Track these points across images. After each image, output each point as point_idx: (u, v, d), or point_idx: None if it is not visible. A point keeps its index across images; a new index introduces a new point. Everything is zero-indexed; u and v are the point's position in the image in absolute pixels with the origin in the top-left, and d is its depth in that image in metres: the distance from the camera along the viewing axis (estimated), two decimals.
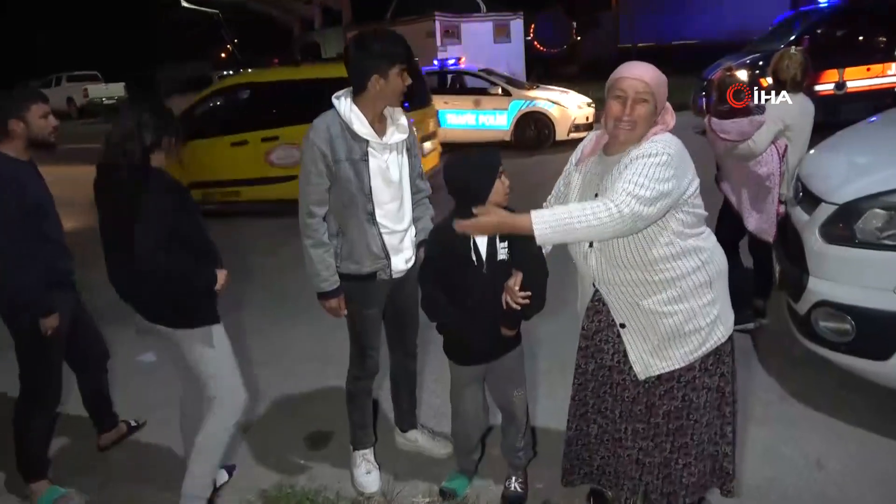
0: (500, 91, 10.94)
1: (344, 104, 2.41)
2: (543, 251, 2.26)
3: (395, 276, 2.57)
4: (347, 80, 2.42)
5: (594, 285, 2.10)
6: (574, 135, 10.60)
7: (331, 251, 2.49)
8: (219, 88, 8.63)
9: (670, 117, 2.00)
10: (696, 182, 1.99)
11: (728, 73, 3.36)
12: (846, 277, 2.83)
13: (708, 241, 2.06)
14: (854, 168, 3.14)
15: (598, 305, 2.14)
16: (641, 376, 2.07)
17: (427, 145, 7.78)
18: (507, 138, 10.75)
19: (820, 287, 2.91)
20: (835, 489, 2.57)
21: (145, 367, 3.97)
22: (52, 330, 2.59)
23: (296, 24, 24.61)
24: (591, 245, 2.03)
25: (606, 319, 2.12)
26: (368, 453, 2.81)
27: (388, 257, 2.52)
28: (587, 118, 10.88)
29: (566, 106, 10.68)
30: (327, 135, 2.38)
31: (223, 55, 28.58)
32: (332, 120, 2.41)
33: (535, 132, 10.65)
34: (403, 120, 2.54)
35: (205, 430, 2.50)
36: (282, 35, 26.08)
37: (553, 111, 10.54)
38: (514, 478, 2.61)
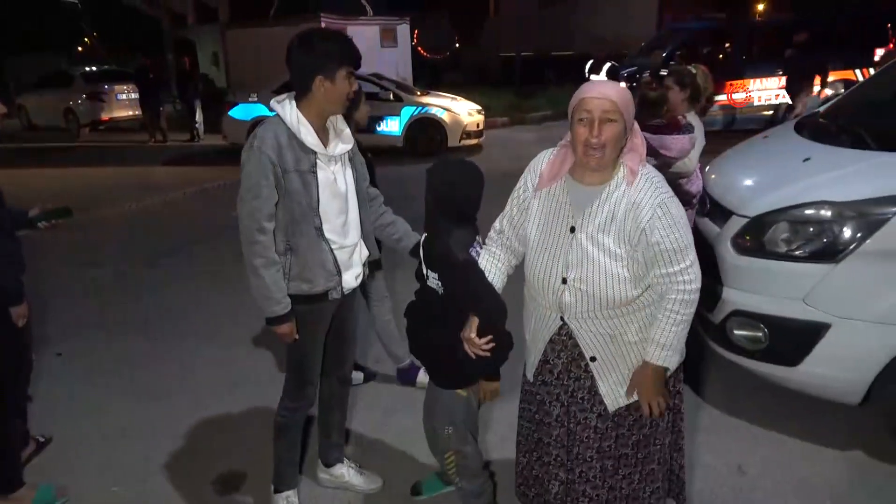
0: (391, 96, 10.78)
1: (289, 110, 2.19)
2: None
3: (345, 293, 2.39)
4: None
5: (562, 319, 1.98)
6: (465, 141, 10.68)
7: (280, 270, 2.25)
8: None
9: (640, 141, 1.91)
10: None
11: (649, 87, 3.39)
12: (758, 287, 2.94)
13: None
14: (762, 183, 3.29)
15: (564, 339, 2.01)
16: (612, 408, 2.00)
17: None
18: (399, 144, 10.61)
19: (734, 297, 3.01)
20: (759, 494, 2.66)
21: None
22: (24, 319, 2.58)
23: (165, 19, 23.10)
24: (564, 281, 1.91)
25: (571, 354, 2.01)
26: (293, 495, 2.57)
27: (339, 274, 2.34)
28: (478, 125, 10.98)
29: (457, 112, 10.71)
30: (275, 143, 2.15)
31: (80, 49, 26.26)
32: (278, 128, 2.18)
33: (427, 138, 10.59)
34: (347, 129, 2.36)
35: None
36: (149, 30, 24.37)
37: (445, 117, 10.53)
38: None
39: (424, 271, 2.23)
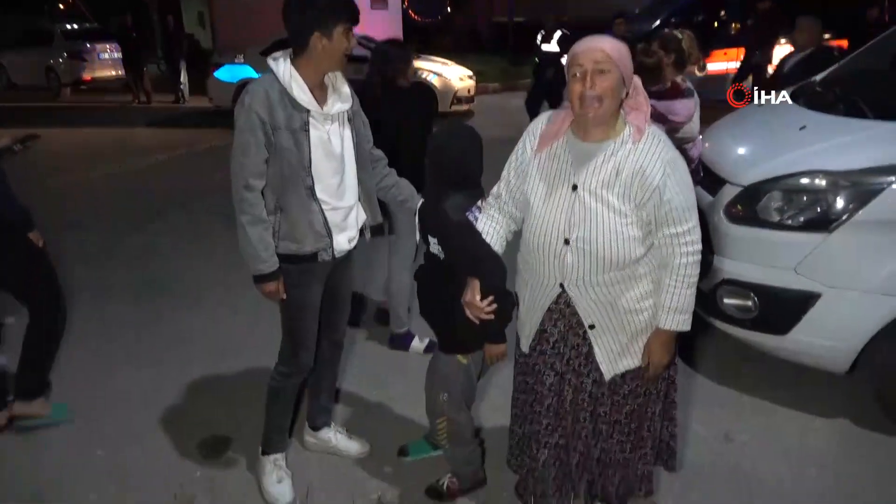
0: None
1: (283, 67, 2.13)
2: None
3: (337, 256, 2.34)
4: None
5: (562, 286, 1.93)
6: (456, 107, 10.53)
7: (269, 229, 2.21)
8: None
9: (644, 101, 1.85)
10: None
11: (645, 54, 3.32)
12: (750, 256, 2.93)
13: None
14: (756, 152, 3.26)
15: (562, 308, 1.97)
16: (608, 375, 1.98)
17: None
18: None
19: (725, 266, 2.99)
20: (747, 462, 2.68)
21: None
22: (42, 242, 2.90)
23: None
24: (566, 242, 1.85)
25: (569, 322, 1.97)
26: (280, 458, 2.55)
27: (330, 236, 2.28)
28: (469, 91, 10.83)
29: (448, 77, 10.55)
30: (266, 100, 2.10)
31: (61, 6, 25.48)
32: (270, 84, 2.13)
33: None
34: (346, 88, 2.29)
35: None
36: None
37: (435, 82, 10.36)
38: (448, 476, 2.49)
39: (426, 238, 2.21)
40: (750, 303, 2.93)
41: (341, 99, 2.26)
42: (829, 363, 2.89)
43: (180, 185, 7.27)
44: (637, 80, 1.86)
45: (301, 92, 2.13)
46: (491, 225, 2.08)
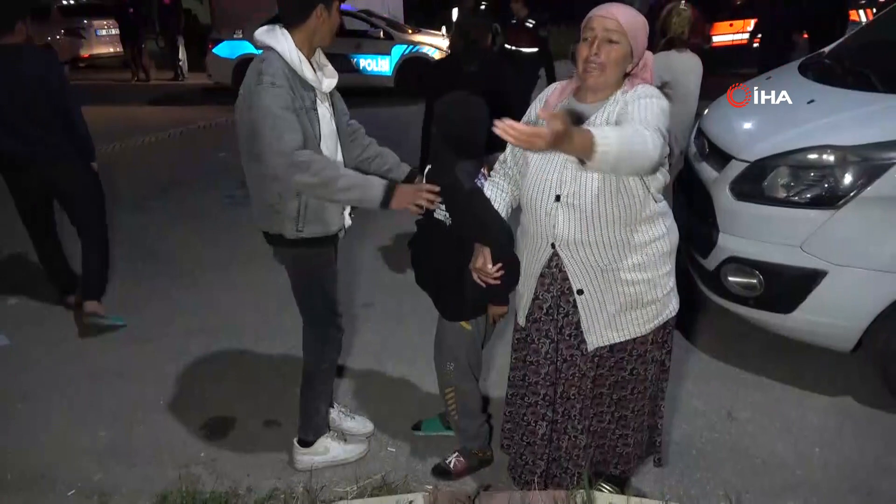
0: (381, 34, 10.45)
1: (288, 45, 2.07)
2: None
3: (344, 231, 2.38)
4: None
5: (553, 247, 1.91)
6: None
7: (340, 165, 2.18)
8: None
9: (650, 74, 1.83)
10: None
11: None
12: (755, 234, 2.89)
13: (669, 209, 1.96)
14: (762, 127, 3.19)
15: (554, 272, 1.95)
16: (591, 346, 1.95)
17: None
18: (390, 85, 10.34)
19: (730, 243, 2.95)
20: (748, 439, 2.67)
21: None
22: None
23: None
24: (557, 199, 1.83)
25: (561, 288, 1.96)
26: (326, 439, 2.57)
27: (343, 212, 2.31)
28: None
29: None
30: (286, 80, 2.05)
31: None
32: (279, 63, 2.06)
33: (418, 79, 10.31)
34: (329, 64, 2.26)
35: None
36: None
37: (437, 57, 10.23)
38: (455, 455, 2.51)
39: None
40: (755, 280, 2.90)
41: (327, 75, 2.23)
42: (835, 341, 2.87)
43: (180, 163, 7.23)
44: (648, 56, 1.84)
45: (308, 70, 2.10)
46: (497, 192, 2.10)
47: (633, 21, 1.76)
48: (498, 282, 2.05)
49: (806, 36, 7.36)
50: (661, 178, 1.85)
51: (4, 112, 3.28)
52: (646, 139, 1.60)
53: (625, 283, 1.88)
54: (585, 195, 1.79)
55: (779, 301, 2.86)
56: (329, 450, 2.55)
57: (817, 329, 2.84)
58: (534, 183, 1.90)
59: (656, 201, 1.87)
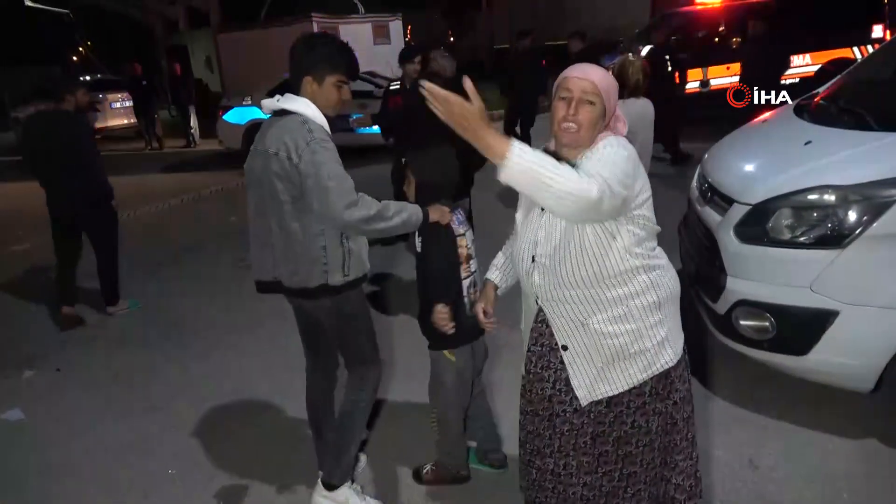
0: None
1: (312, 108, 2.26)
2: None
3: None
4: None
5: (538, 303, 1.95)
6: None
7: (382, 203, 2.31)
8: None
9: (622, 125, 1.89)
10: (648, 192, 1.86)
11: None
12: (764, 276, 2.88)
13: (660, 259, 1.94)
14: (763, 169, 3.22)
15: (541, 327, 1.98)
16: (584, 402, 1.93)
17: None
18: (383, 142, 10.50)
19: (738, 286, 2.94)
20: (773, 487, 2.60)
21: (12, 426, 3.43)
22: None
23: (158, 25, 23.01)
24: (533, 260, 1.89)
25: (549, 343, 1.97)
26: (352, 486, 2.61)
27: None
28: None
29: None
30: (329, 138, 2.26)
31: (75, 59, 26.13)
32: (317, 124, 2.26)
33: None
34: None
35: None
36: (141, 36, 24.28)
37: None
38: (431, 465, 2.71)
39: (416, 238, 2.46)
40: (767, 323, 2.87)
41: None
42: (853, 382, 2.81)
43: (193, 229, 7.34)
44: (619, 111, 1.89)
45: (328, 126, 2.28)
46: (505, 261, 2.23)
47: (607, 82, 1.82)
48: (443, 321, 2.27)
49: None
50: (639, 231, 1.82)
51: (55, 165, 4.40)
52: (569, 177, 1.55)
53: (606, 336, 1.87)
54: (554, 255, 1.84)
55: (793, 343, 2.83)
56: (349, 502, 2.54)
57: (834, 370, 2.79)
58: (517, 245, 2.00)
59: (633, 256, 1.82)
